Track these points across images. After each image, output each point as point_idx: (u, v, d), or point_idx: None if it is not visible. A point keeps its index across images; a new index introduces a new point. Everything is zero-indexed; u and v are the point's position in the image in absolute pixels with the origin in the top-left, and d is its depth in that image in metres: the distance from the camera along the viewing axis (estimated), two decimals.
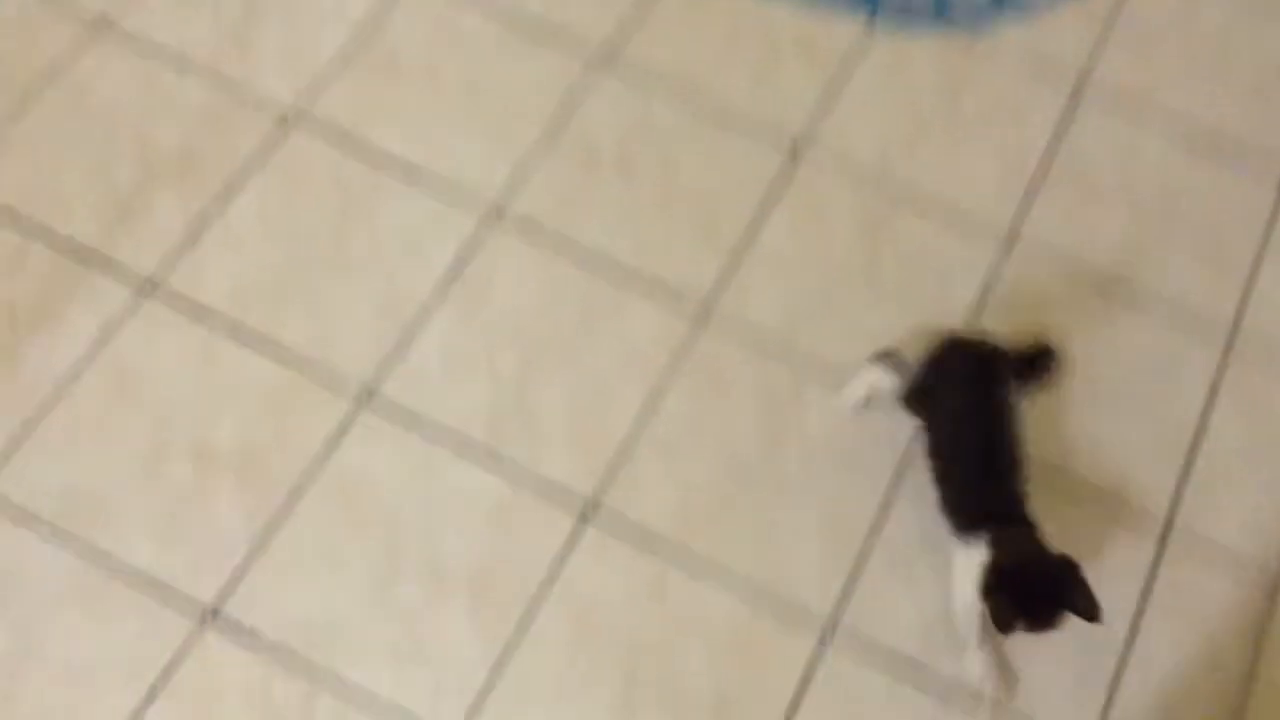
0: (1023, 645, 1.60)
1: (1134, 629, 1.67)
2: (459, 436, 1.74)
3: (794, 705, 1.60)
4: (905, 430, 1.76)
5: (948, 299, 1.90)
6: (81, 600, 1.59)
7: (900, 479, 1.74)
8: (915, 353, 1.69)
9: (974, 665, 1.59)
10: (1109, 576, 1.64)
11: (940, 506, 1.59)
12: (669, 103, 2.03)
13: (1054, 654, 1.61)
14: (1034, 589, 1.42)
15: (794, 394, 1.80)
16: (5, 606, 1.59)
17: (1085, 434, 1.79)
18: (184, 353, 1.77)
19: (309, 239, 1.87)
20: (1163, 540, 1.73)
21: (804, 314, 1.87)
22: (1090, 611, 1.39)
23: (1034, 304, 1.90)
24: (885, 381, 1.70)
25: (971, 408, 1.60)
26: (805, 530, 1.71)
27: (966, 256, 1.93)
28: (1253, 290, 1.94)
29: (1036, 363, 1.71)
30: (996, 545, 1.47)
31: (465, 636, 1.61)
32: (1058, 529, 1.54)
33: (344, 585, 1.64)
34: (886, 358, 1.72)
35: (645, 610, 1.65)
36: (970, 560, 1.49)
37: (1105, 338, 1.88)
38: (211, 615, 1.60)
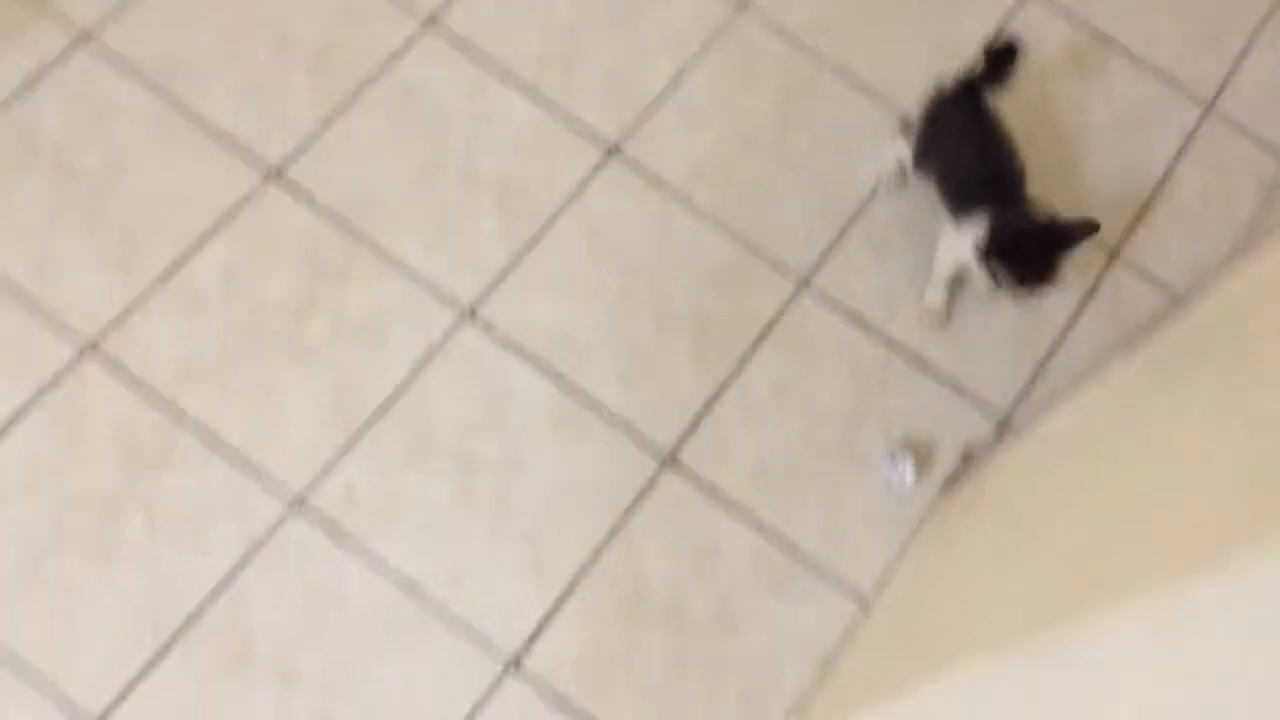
0: (973, 319, 1.86)
1: (1070, 323, 1.91)
2: (508, 68, 1.96)
3: (763, 334, 1.85)
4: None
5: (963, 31, 2.09)
6: (169, 141, 1.85)
7: (893, 173, 1.96)
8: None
9: (930, 293, 1.85)
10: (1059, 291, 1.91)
11: (941, 195, 1.79)
12: None
13: (997, 334, 1.86)
14: (1029, 252, 1.65)
15: (811, 88, 2.01)
16: (100, 134, 1.84)
17: (1069, 163, 2.01)
18: None
19: None
20: (1111, 259, 1.96)
21: (835, 20, 2.07)
22: (1085, 232, 1.62)
23: (1042, 51, 2.09)
24: (905, 150, 1.87)
25: (964, 133, 1.78)
26: (800, 200, 1.94)
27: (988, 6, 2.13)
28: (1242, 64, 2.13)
29: (1000, 60, 1.77)
30: (995, 221, 1.67)
31: (490, 229, 1.86)
32: None
33: (391, 170, 1.88)
34: (905, 127, 1.88)
35: (649, 238, 1.89)
36: (963, 237, 1.71)
37: (1100, 84, 2.08)
38: (277, 174, 1.85)
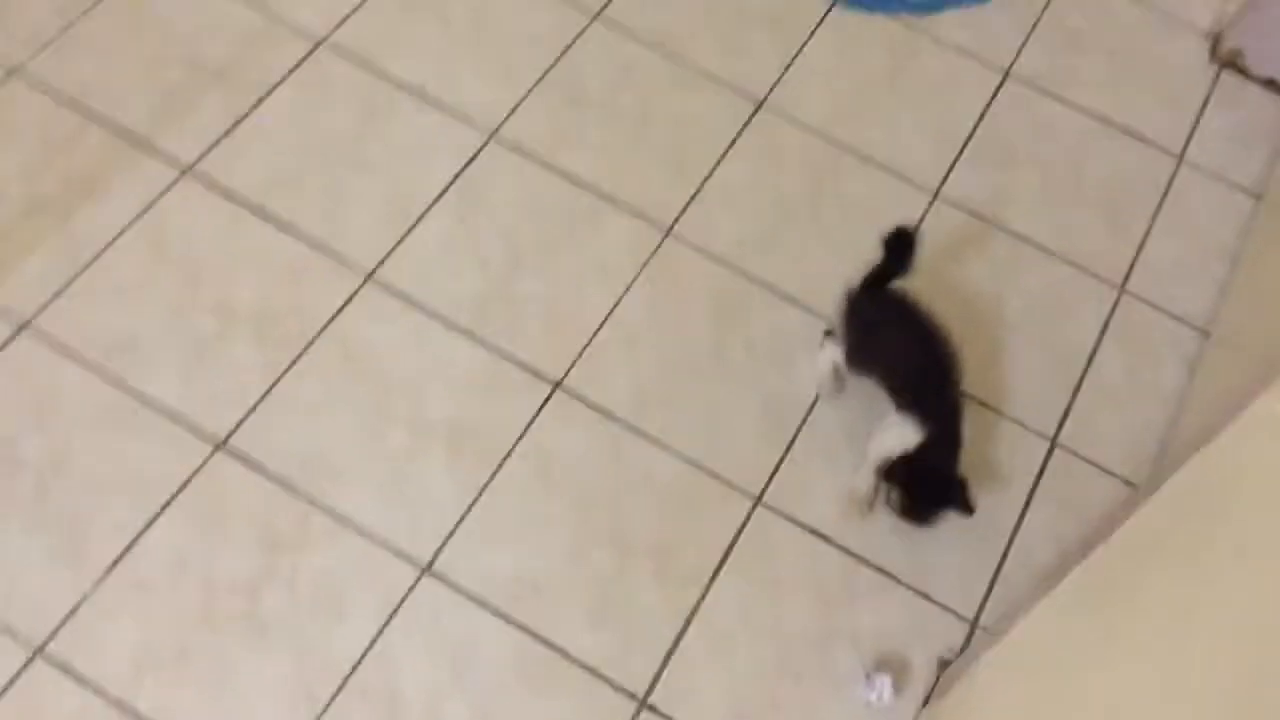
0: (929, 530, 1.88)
1: (1020, 519, 1.94)
2: (448, 314, 2.00)
3: (724, 557, 1.85)
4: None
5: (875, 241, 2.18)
6: (113, 423, 1.84)
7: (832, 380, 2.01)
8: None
9: (858, 480, 1.89)
10: (1003, 475, 1.95)
11: (888, 394, 1.86)
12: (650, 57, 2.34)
13: (953, 535, 1.88)
14: (924, 492, 1.81)
15: (742, 303, 2.08)
16: (41, 421, 1.83)
17: (994, 356, 2.08)
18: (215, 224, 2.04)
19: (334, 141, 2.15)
20: (1050, 449, 2.01)
21: (754, 239, 2.15)
22: (964, 507, 1.78)
23: (954, 246, 2.19)
24: (837, 354, 1.93)
25: (886, 325, 1.86)
26: (744, 415, 1.98)
27: (898, 206, 2.23)
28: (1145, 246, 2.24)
29: (898, 248, 1.85)
30: (923, 448, 1.78)
31: (442, 477, 1.86)
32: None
33: (339, 428, 1.88)
34: (830, 334, 1.95)
35: (600, 468, 1.90)
36: (901, 431, 1.80)
37: (1012, 277, 2.17)
38: (224, 445, 1.84)
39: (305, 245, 2.04)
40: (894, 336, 1.86)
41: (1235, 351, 2.00)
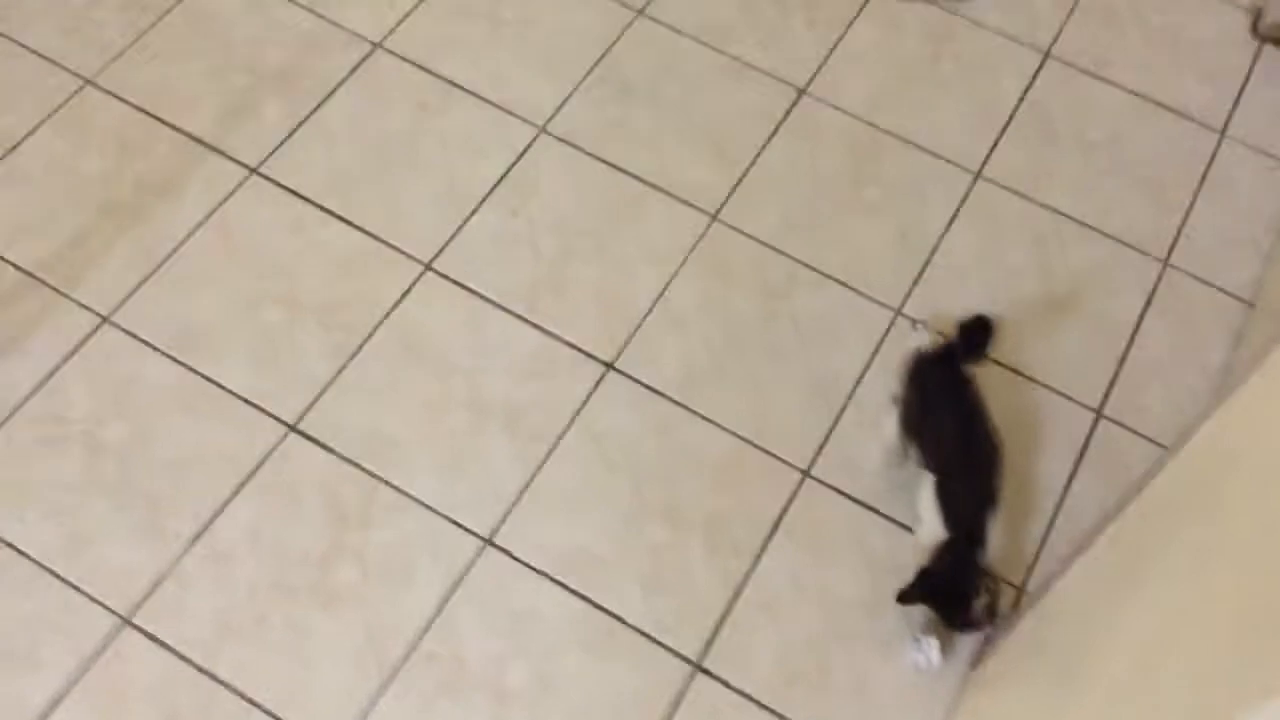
0: None
1: (1066, 487, 1.98)
2: (503, 300, 2.08)
3: (773, 527, 1.91)
4: (881, 319, 2.10)
5: (923, 219, 2.23)
6: (189, 408, 1.94)
7: (876, 360, 2.06)
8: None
9: (921, 532, 1.79)
10: (1049, 446, 1.99)
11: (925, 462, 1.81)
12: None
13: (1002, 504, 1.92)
14: (945, 603, 1.70)
15: (788, 282, 2.14)
16: (121, 408, 1.94)
17: (1039, 331, 2.12)
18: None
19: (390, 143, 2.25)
20: (1096, 419, 2.04)
21: (798, 222, 2.21)
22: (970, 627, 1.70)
23: (995, 228, 2.23)
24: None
25: (943, 405, 1.81)
26: (791, 391, 2.03)
27: (940, 185, 2.27)
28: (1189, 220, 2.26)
29: (975, 334, 1.82)
30: (939, 556, 1.70)
31: (501, 455, 1.94)
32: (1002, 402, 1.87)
33: (402, 409, 1.97)
34: (894, 399, 1.91)
35: (652, 446, 1.97)
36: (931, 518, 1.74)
37: (1057, 254, 2.21)
38: (294, 428, 1.93)
39: (366, 238, 2.13)
40: (945, 424, 1.80)
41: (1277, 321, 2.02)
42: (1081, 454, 2.01)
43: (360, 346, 2.02)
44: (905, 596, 1.68)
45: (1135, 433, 2.02)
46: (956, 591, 1.68)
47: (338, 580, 1.82)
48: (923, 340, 1.84)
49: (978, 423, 1.80)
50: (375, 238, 2.14)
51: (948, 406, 1.81)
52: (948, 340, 1.85)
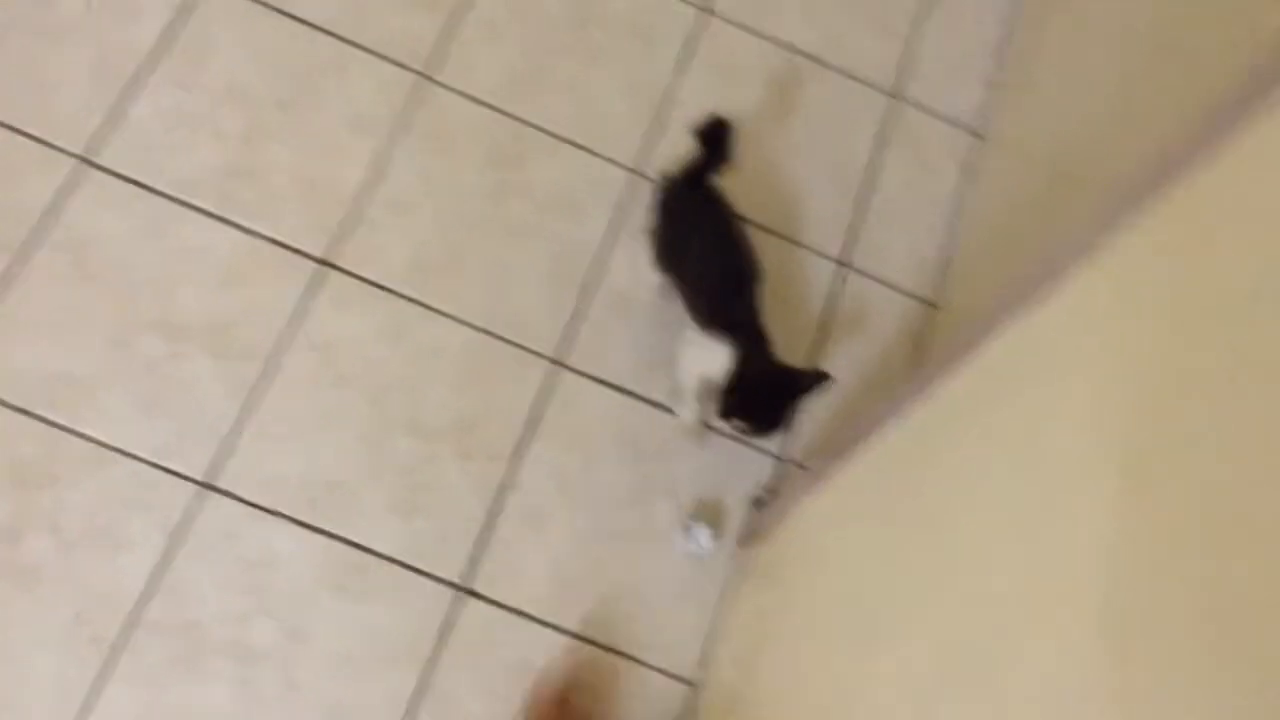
0: None
1: (818, 343, 1.95)
2: (187, 196, 1.76)
3: (529, 426, 1.77)
4: (621, 181, 1.94)
5: (655, 64, 2.06)
6: None
7: (620, 228, 1.91)
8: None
9: (683, 411, 1.79)
10: (800, 305, 1.93)
11: (687, 310, 1.70)
12: None
13: None
14: (765, 400, 1.59)
15: (517, 149, 1.93)
16: None
17: (780, 181, 2.03)
18: None
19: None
20: (840, 267, 2.01)
21: (521, 77, 1.98)
22: (817, 381, 1.59)
23: (731, 70, 2.09)
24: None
25: (698, 236, 1.69)
26: (533, 271, 1.86)
27: (667, 22, 2.10)
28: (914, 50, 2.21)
29: (715, 137, 1.69)
30: (740, 363, 1.59)
31: (210, 383, 1.68)
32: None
33: (81, 341, 1.66)
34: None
35: (386, 350, 1.76)
36: (708, 352, 1.62)
37: (789, 92, 2.11)
38: None
39: (2, 131, 1.74)
40: (699, 246, 1.68)
41: (1013, 154, 2.02)
42: (829, 309, 1.97)
43: (13, 269, 1.67)
44: (727, 409, 1.57)
45: (882, 282, 2.00)
46: (774, 380, 1.58)
47: (29, 553, 1.55)
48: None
49: (734, 238, 1.68)
50: (13, 129, 1.74)
51: (700, 229, 1.68)
52: (690, 158, 1.69)
